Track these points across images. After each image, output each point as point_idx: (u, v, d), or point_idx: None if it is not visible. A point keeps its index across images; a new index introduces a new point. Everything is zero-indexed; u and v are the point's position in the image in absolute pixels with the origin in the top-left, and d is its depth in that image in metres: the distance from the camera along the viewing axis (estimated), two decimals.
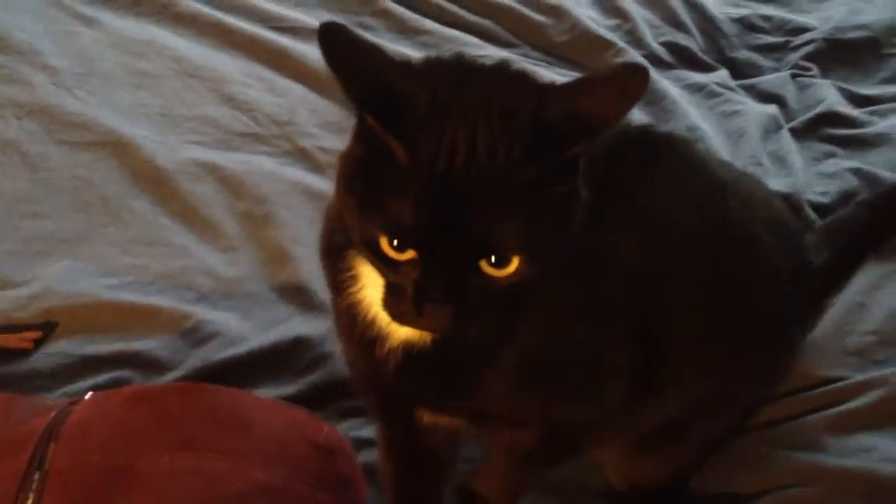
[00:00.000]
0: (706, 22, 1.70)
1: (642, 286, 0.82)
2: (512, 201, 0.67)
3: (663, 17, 1.70)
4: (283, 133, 1.46)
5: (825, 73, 1.63)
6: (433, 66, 0.73)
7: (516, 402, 0.83)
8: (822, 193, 1.38)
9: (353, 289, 0.80)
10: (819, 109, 1.54)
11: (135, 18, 1.65)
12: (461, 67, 0.73)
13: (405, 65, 0.71)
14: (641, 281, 0.82)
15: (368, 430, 1.05)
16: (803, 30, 1.70)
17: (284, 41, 1.61)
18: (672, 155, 0.90)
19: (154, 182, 1.36)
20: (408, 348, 0.79)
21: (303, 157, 1.43)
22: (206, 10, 1.65)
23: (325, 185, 1.37)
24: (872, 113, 1.55)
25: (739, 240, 0.91)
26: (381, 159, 0.67)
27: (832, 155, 1.48)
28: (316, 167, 1.42)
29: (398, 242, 0.68)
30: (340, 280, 0.81)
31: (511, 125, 0.67)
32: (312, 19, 1.66)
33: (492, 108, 0.68)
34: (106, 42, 1.59)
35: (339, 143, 1.37)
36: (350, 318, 0.81)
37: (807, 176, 1.42)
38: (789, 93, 1.58)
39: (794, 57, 1.66)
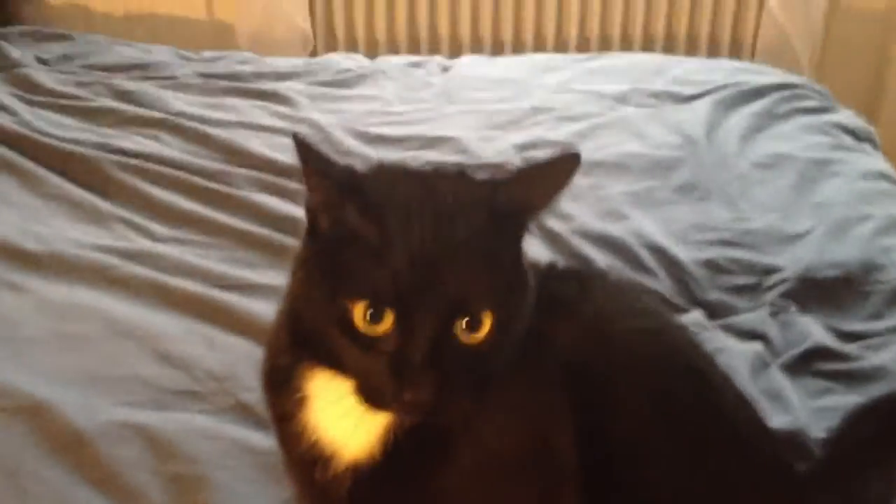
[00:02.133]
0: (672, 266, 1.63)
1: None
2: (476, 263, 0.75)
3: (627, 262, 1.63)
4: (223, 388, 1.32)
5: (805, 311, 1.54)
6: (391, 169, 0.84)
7: None
8: (827, 430, 1.24)
9: (301, 413, 0.82)
10: (807, 345, 1.44)
11: (67, 284, 1.53)
12: (409, 171, 0.84)
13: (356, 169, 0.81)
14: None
15: None
16: (774, 270, 1.63)
17: (227, 297, 1.50)
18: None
19: (71, 448, 1.19)
20: (356, 469, 0.81)
21: (244, 413, 1.28)
22: (143, 271, 1.55)
23: (270, 442, 1.21)
24: (865, 347, 1.45)
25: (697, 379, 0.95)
26: (348, 245, 0.76)
27: (829, 391, 1.36)
28: (259, 423, 1.25)
29: (375, 308, 0.73)
30: (287, 407, 0.83)
31: (466, 203, 0.77)
32: (258, 276, 1.57)
33: (449, 192, 0.78)
34: (31, 307, 1.47)
35: None
36: (297, 447, 0.83)
37: (806, 413, 1.29)
38: (771, 330, 1.49)
39: (770, 296, 1.58)
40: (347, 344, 0.75)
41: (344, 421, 0.80)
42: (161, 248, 1.63)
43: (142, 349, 1.38)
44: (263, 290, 1.53)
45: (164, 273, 1.56)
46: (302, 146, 0.77)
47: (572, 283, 0.95)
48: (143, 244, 1.65)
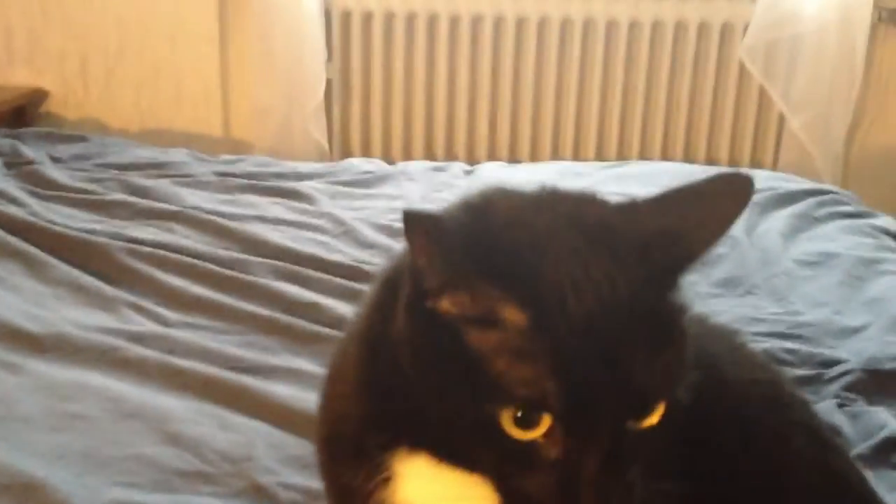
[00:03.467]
0: None
1: None
2: (648, 336, 0.58)
3: None
4: (237, 470, 1.18)
5: (872, 404, 1.41)
6: (497, 208, 0.63)
7: None
8: None
9: (384, 494, 0.66)
10: (884, 434, 1.30)
11: (69, 365, 1.41)
12: (523, 203, 0.64)
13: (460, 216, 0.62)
14: None
15: None
16: (835, 362, 1.51)
17: (243, 379, 1.37)
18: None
19: None
20: None
21: (260, 495, 1.14)
22: (152, 353, 1.43)
23: None
24: None
25: None
26: (476, 328, 0.58)
27: None
28: None
29: (533, 411, 0.56)
30: (362, 484, 0.66)
31: (616, 252, 0.59)
32: (277, 360, 1.44)
33: (592, 238, 0.60)
34: (30, 387, 1.34)
35: (303, 479, 1.12)
36: None
37: None
38: (840, 422, 1.35)
39: (834, 388, 1.44)
40: (492, 453, 0.59)
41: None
42: (172, 332, 1.52)
43: (148, 429, 1.25)
44: (283, 373, 1.41)
45: (175, 355, 1.43)
46: (410, 217, 0.59)
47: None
48: (153, 328, 1.53)
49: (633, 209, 0.64)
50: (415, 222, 0.58)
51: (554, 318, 0.56)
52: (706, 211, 0.63)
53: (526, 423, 0.57)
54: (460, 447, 0.60)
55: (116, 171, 2.19)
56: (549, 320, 0.56)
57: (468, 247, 0.58)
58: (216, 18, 2.93)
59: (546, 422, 0.57)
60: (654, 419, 0.60)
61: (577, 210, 0.64)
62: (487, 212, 0.63)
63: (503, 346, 0.57)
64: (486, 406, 0.57)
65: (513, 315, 0.57)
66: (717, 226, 0.62)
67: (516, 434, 0.57)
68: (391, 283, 0.67)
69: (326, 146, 2.91)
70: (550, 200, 0.65)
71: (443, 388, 0.59)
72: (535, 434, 0.57)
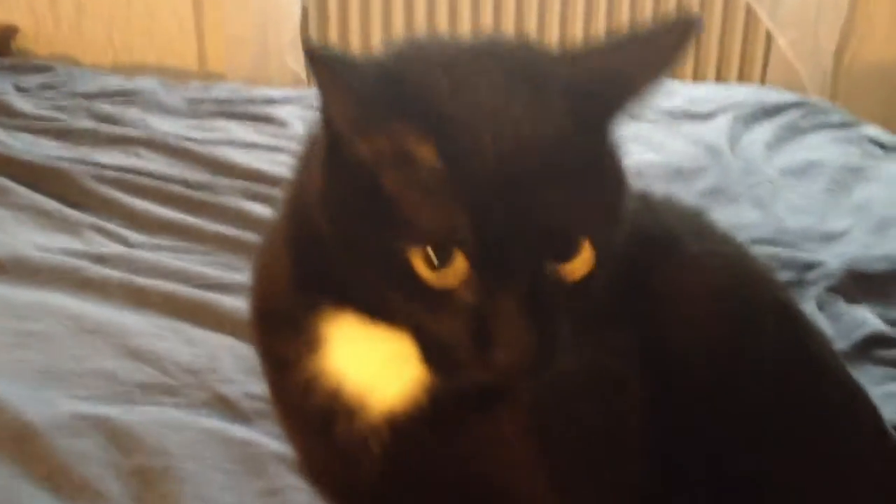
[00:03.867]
0: None
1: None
2: (568, 176, 0.56)
3: None
4: (200, 382, 1.14)
5: (852, 304, 1.38)
6: (424, 51, 0.61)
7: (530, 468, 0.64)
8: None
9: (313, 358, 0.64)
10: (864, 332, 1.27)
11: (29, 286, 1.37)
12: (453, 47, 0.62)
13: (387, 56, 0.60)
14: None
15: None
16: (816, 265, 1.47)
17: (207, 295, 1.33)
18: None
19: (18, 441, 1.01)
20: (394, 419, 0.63)
21: (222, 405, 1.11)
22: (115, 273, 1.38)
23: (251, 435, 1.04)
24: None
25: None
26: (393, 170, 0.55)
27: (895, 378, 1.19)
28: (238, 416, 1.09)
29: (443, 250, 0.54)
30: (290, 351, 0.64)
31: (542, 93, 0.57)
32: (242, 277, 1.39)
33: (517, 79, 0.58)
34: None
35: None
36: (306, 397, 0.64)
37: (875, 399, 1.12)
38: (821, 322, 1.32)
39: (815, 290, 1.41)
40: (405, 297, 0.56)
41: (374, 364, 0.62)
42: (136, 253, 1.48)
43: (108, 345, 1.21)
44: (247, 289, 1.36)
45: (138, 275, 1.39)
46: (314, 56, 0.55)
47: (637, 201, 0.76)
48: (117, 249, 1.49)
49: (567, 52, 0.61)
50: (321, 62, 0.54)
51: (468, 156, 0.54)
52: (644, 52, 0.59)
53: (438, 264, 0.55)
54: (378, 299, 0.58)
55: (83, 100, 2.13)
56: (463, 158, 0.54)
57: (381, 85, 0.55)
58: None
59: (459, 264, 0.55)
60: (579, 265, 0.57)
61: (508, 52, 0.61)
62: (408, 52, 0.60)
63: (416, 185, 0.55)
64: (399, 247, 0.55)
65: (426, 153, 0.55)
66: (656, 65, 0.59)
67: (429, 276, 0.55)
68: (312, 140, 0.63)
69: (304, 76, 2.85)
70: (482, 44, 0.62)
71: (358, 235, 0.57)
72: (448, 276, 0.55)
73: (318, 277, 0.61)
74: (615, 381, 0.66)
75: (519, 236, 0.54)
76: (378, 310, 0.58)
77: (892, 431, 0.86)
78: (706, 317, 0.72)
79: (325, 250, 0.59)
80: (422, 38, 0.64)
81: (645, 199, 0.76)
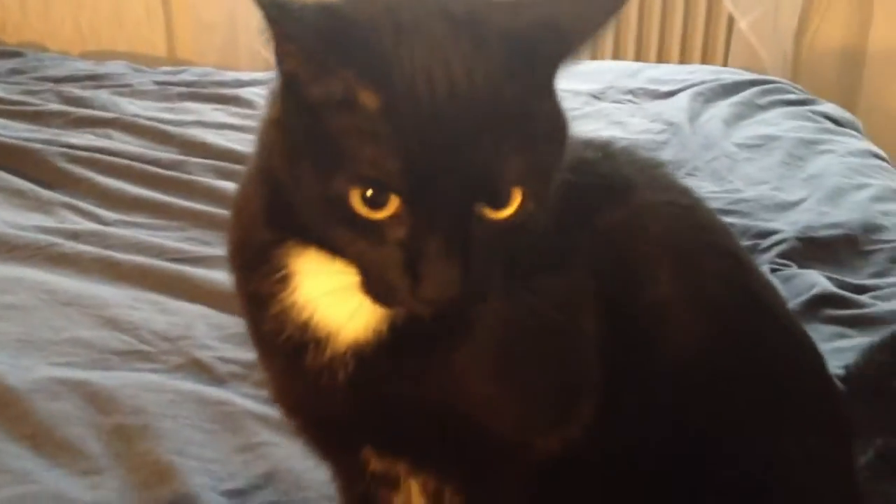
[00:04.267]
0: None
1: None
2: (503, 126, 0.59)
3: None
4: (175, 348, 1.18)
5: (804, 268, 1.43)
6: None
7: (483, 396, 0.70)
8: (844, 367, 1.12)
9: (284, 292, 0.68)
10: (814, 292, 1.33)
11: (3, 261, 1.39)
12: None
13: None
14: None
15: None
16: (770, 233, 1.53)
17: (181, 268, 1.36)
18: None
19: None
20: (359, 350, 0.67)
21: (198, 369, 1.15)
22: (89, 249, 1.41)
23: (226, 395, 1.08)
24: (874, 297, 1.34)
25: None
26: (337, 112, 0.59)
27: (842, 336, 1.25)
28: (213, 379, 1.13)
29: (379, 191, 0.58)
30: (264, 286, 0.69)
31: (482, 43, 0.60)
32: (214, 251, 1.43)
33: (458, 28, 0.60)
34: None
35: (242, 354, 1.12)
36: (279, 330, 0.69)
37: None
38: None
39: (768, 257, 1.47)
40: (347, 232, 0.60)
41: (340, 297, 0.66)
42: (110, 230, 1.51)
43: (84, 315, 1.25)
44: (221, 261, 1.38)
45: (112, 250, 1.42)
46: (265, 3, 0.58)
47: (597, 150, 0.80)
48: (90, 226, 1.52)
49: (508, 3, 0.64)
50: (269, 9, 0.58)
51: (404, 103, 0.58)
52: (582, 6, 0.62)
53: (374, 203, 0.58)
54: (327, 233, 0.62)
55: (53, 84, 2.14)
56: (400, 104, 0.58)
57: (328, 31, 0.58)
58: None
59: (394, 204, 0.59)
60: (508, 210, 0.60)
61: (450, 3, 0.63)
62: (354, 2, 0.63)
63: (356, 128, 0.58)
64: (339, 185, 0.58)
65: (367, 98, 0.58)
66: (593, 20, 0.62)
67: (365, 213, 0.59)
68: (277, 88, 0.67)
69: (273, 58, 2.86)
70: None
71: (307, 174, 0.60)
72: (383, 214, 0.59)
73: (286, 215, 0.65)
74: (561, 315, 0.70)
75: (449, 181, 0.58)
76: (329, 244, 0.63)
77: (834, 377, 0.91)
78: (658, 257, 0.76)
79: (286, 189, 0.63)
80: None
81: (605, 149, 0.80)
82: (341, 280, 0.63)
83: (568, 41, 0.61)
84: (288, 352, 0.70)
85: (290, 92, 0.62)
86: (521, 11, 0.62)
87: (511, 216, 0.61)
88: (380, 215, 0.59)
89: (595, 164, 0.76)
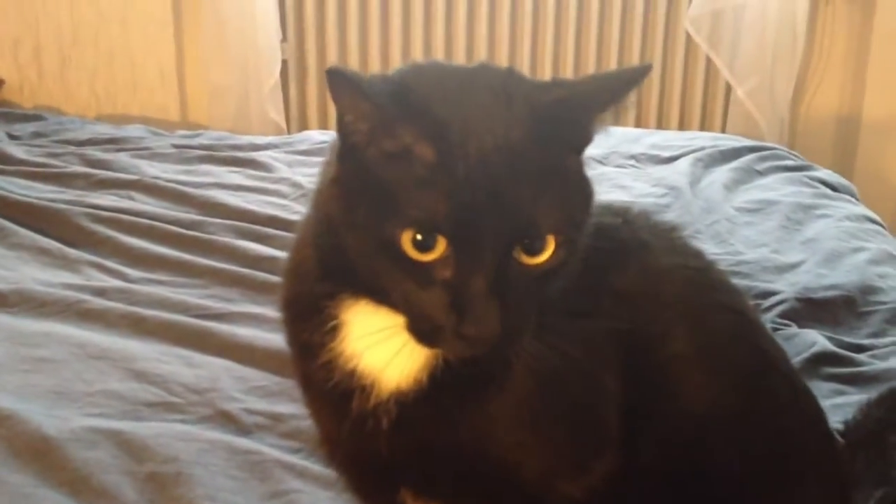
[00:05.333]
0: None
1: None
2: (538, 180, 0.67)
3: None
4: (203, 400, 1.23)
5: (804, 328, 1.49)
6: (435, 72, 0.75)
7: (514, 443, 0.76)
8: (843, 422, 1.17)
9: (334, 342, 0.75)
10: (814, 350, 1.38)
11: (35, 317, 1.45)
12: (450, 69, 0.76)
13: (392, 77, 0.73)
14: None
15: None
16: (771, 293, 1.59)
17: (206, 324, 1.42)
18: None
19: (37, 453, 1.09)
20: (401, 397, 0.74)
21: (225, 420, 1.19)
22: (116, 305, 1.47)
23: (253, 445, 1.12)
24: (872, 356, 1.40)
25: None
26: (394, 165, 0.67)
27: (841, 392, 1.30)
28: (241, 429, 1.18)
29: (428, 234, 0.66)
30: (315, 336, 0.75)
31: (514, 110, 0.69)
32: (238, 308, 1.49)
33: (497, 97, 0.70)
34: None
35: (268, 405, 1.17)
36: (327, 377, 0.75)
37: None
38: None
39: (769, 316, 1.52)
40: (397, 274, 0.67)
41: (385, 348, 0.72)
42: (135, 287, 1.56)
43: (114, 368, 1.29)
44: (245, 318, 1.45)
45: (138, 306, 1.48)
46: (335, 74, 0.67)
47: (618, 216, 0.88)
48: (116, 283, 1.57)
49: (541, 82, 0.73)
50: (340, 78, 0.67)
51: (455, 155, 0.66)
52: (603, 84, 0.72)
53: (423, 246, 0.66)
54: (377, 277, 0.69)
55: (74, 147, 2.22)
56: (451, 156, 0.66)
57: (391, 95, 0.68)
58: (169, 1, 2.95)
59: (441, 247, 0.66)
60: (543, 256, 0.68)
61: (493, 76, 0.73)
62: (412, 72, 0.74)
63: (411, 177, 0.66)
64: (392, 229, 0.66)
65: (424, 151, 0.66)
66: (610, 97, 0.71)
67: (415, 255, 0.66)
68: (330, 155, 0.76)
69: (284, 126, 2.95)
70: (473, 69, 0.76)
71: (362, 222, 0.68)
72: (432, 256, 0.66)
73: (337, 269, 0.72)
74: (587, 370, 0.76)
75: (491, 226, 0.65)
76: (379, 288, 0.70)
77: (834, 431, 0.96)
78: (673, 317, 0.82)
79: (341, 242, 0.70)
80: (423, 63, 0.77)
81: (624, 213, 0.88)
82: (387, 329, 0.69)
83: (595, 111, 0.71)
84: (335, 398, 0.76)
85: (348, 151, 0.70)
86: (551, 89, 0.72)
87: (544, 262, 0.68)
88: (428, 257, 0.66)
89: (615, 230, 0.83)
